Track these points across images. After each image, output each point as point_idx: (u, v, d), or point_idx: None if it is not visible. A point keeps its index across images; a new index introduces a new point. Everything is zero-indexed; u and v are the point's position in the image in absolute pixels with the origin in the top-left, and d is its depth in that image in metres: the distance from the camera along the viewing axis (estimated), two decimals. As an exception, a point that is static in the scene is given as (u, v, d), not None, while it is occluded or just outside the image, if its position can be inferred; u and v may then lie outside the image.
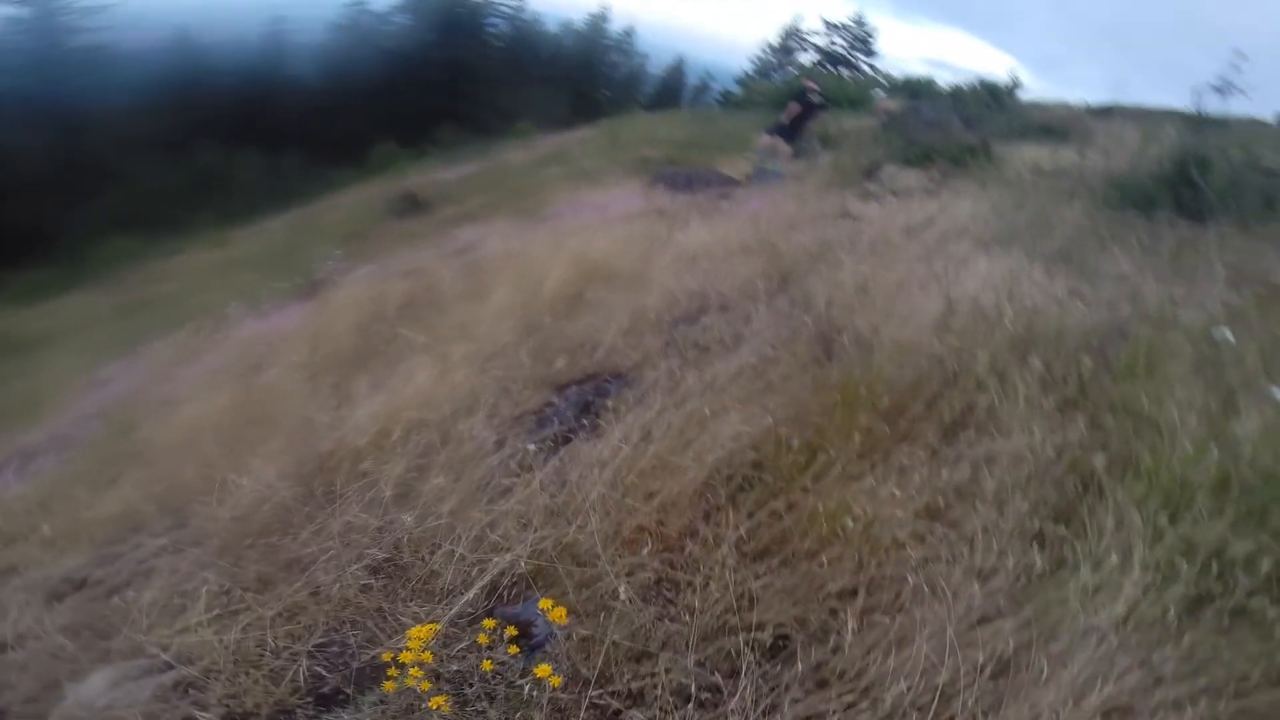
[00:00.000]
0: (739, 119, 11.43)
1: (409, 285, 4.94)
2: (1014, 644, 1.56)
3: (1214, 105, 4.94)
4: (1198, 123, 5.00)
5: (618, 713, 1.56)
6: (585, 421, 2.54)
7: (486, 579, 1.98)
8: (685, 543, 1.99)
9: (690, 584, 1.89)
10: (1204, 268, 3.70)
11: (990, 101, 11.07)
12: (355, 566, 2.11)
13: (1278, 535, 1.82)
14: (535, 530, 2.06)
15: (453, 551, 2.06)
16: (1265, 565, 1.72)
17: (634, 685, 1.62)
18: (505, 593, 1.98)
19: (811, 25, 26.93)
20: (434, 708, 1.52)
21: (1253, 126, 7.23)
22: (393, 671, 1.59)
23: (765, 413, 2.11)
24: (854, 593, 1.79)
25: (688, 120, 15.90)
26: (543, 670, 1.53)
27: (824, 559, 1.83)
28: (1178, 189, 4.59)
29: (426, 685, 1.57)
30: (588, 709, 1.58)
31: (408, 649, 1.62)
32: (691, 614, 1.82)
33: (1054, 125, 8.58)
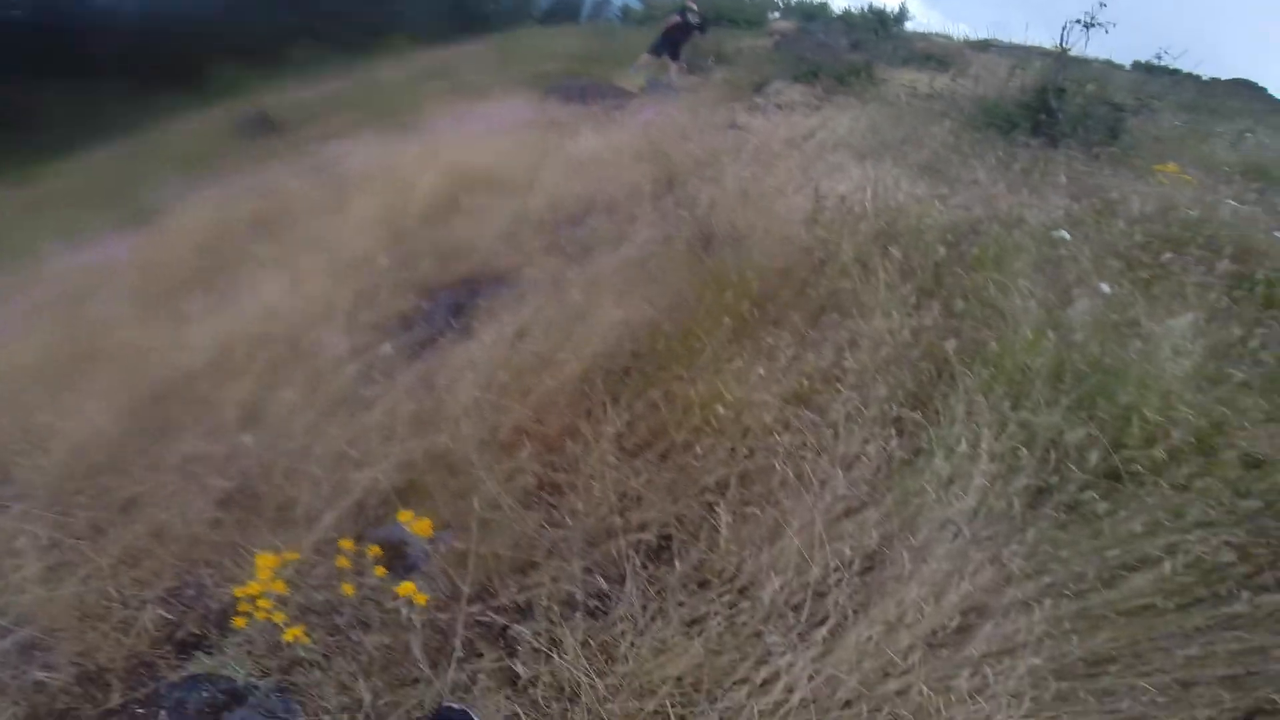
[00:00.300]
0: (639, 35, 10.84)
1: (258, 204, 4.35)
2: (878, 536, 1.57)
3: (1078, 42, 5.23)
4: (1061, 58, 5.27)
5: (505, 628, 1.49)
6: (456, 324, 2.36)
7: (350, 500, 1.82)
8: (565, 442, 1.90)
9: (573, 486, 1.82)
10: (1051, 182, 3.97)
11: (879, 28, 11.22)
12: (201, 501, 1.87)
13: (1104, 425, 1.90)
14: (401, 442, 1.91)
15: (310, 474, 1.87)
16: (1094, 457, 1.77)
17: (520, 598, 1.55)
18: (374, 513, 1.83)
19: None
20: (290, 640, 1.39)
21: (1108, 69, 7.79)
22: (245, 606, 1.42)
23: (644, 303, 2.02)
24: (727, 486, 1.78)
25: (586, 35, 14.91)
26: (405, 589, 1.42)
27: (699, 450, 1.81)
28: (1036, 115, 4.88)
29: (280, 617, 1.42)
30: (472, 627, 1.50)
31: (256, 581, 1.45)
32: (575, 517, 1.77)
33: (935, 54, 8.83)
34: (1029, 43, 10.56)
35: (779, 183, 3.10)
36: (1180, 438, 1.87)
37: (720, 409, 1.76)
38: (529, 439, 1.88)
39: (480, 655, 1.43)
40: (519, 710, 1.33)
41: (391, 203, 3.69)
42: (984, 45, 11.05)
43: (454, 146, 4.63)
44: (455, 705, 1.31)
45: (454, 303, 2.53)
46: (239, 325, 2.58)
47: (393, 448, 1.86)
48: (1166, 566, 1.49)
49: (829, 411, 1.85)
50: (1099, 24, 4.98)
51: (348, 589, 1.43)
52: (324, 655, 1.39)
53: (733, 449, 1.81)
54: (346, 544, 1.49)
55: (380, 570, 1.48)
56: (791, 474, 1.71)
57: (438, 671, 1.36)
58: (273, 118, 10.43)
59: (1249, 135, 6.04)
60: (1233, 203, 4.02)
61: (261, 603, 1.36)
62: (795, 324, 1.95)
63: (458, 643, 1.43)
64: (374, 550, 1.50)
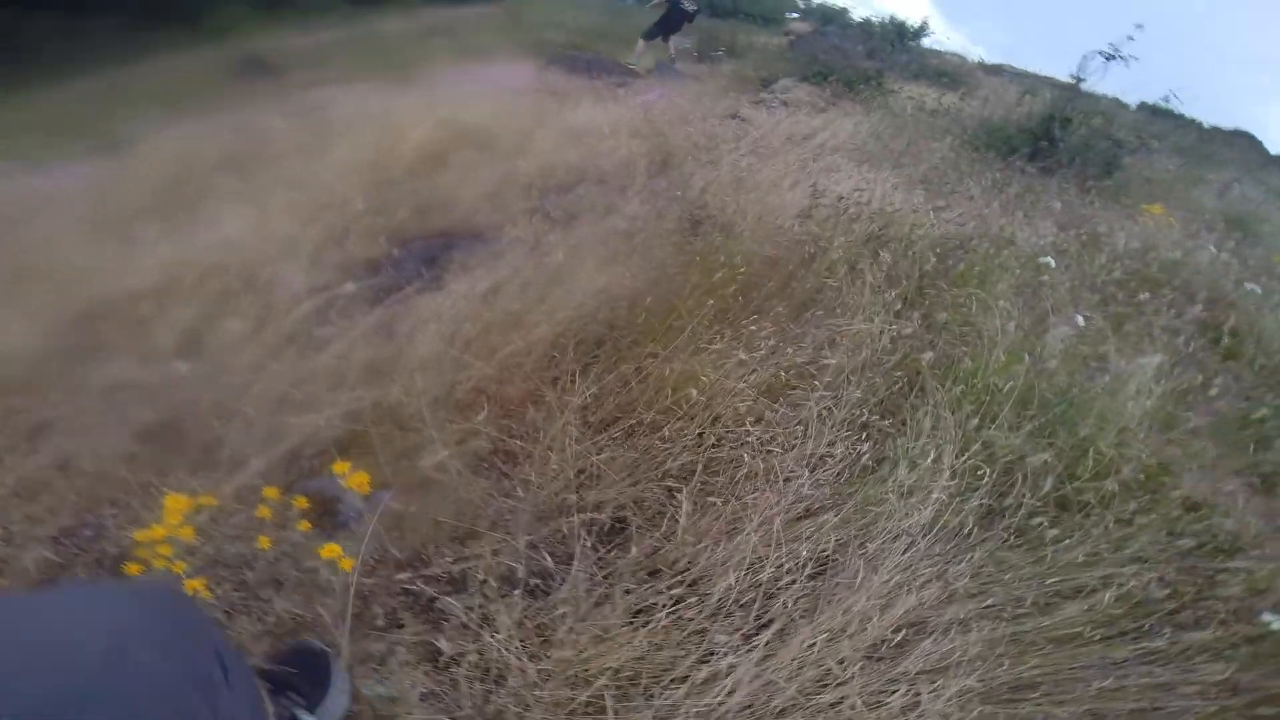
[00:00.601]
0: (653, 16, 10.64)
1: (237, 141, 4.10)
2: (834, 541, 1.53)
3: (1096, 74, 5.21)
4: (1074, 88, 5.26)
5: (434, 600, 1.37)
6: (427, 274, 2.21)
7: (284, 447, 1.68)
8: (527, 408, 1.78)
9: (529, 455, 1.71)
10: (1043, 208, 3.96)
11: (896, 40, 11.17)
12: (118, 432, 1.70)
13: (1061, 453, 1.90)
14: (350, 390, 1.77)
15: (244, 413, 1.72)
16: (1048, 484, 1.77)
17: (455, 569, 1.42)
18: (309, 464, 1.69)
19: None
20: (191, 591, 1.25)
21: (1115, 106, 7.85)
22: (143, 552, 1.28)
23: (627, 274, 1.90)
24: (692, 473, 1.70)
25: (599, 9, 14.60)
26: (330, 550, 1.29)
27: (666, 432, 1.72)
28: (1037, 141, 4.85)
29: (181, 566, 1.28)
30: (398, 595, 1.38)
31: (161, 525, 1.31)
32: (527, 489, 1.66)
33: (948, 72, 8.81)
34: (1042, 72, 10.63)
35: (775, 176, 3.00)
36: (1130, 474, 1.89)
37: (693, 392, 1.66)
38: (488, 401, 1.76)
39: (402, 626, 1.31)
40: (437, 689, 1.22)
41: (377, 151, 3.49)
42: (997, 69, 11.10)
43: (449, 103, 4.41)
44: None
45: (427, 254, 2.37)
46: (192, 254, 2.39)
47: (340, 395, 1.71)
48: (1100, 598, 1.50)
49: (801, 408, 1.77)
50: (1121, 57, 4.96)
51: (264, 542, 1.29)
52: (226, 612, 1.26)
53: (701, 435, 1.71)
54: (271, 492, 1.35)
55: (305, 525, 1.35)
56: (758, 468, 1.63)
57: (352, 639, 1.24)
58: (270, 62, 9.95)
59: (1236, 185, 6.15)
60: (1213, 249, 4.05)
61: (162, 549, 1.22)
62: (779, 315, 1.86)
63: (379, 610, 1.31)
64: (300, 502, 1.37)
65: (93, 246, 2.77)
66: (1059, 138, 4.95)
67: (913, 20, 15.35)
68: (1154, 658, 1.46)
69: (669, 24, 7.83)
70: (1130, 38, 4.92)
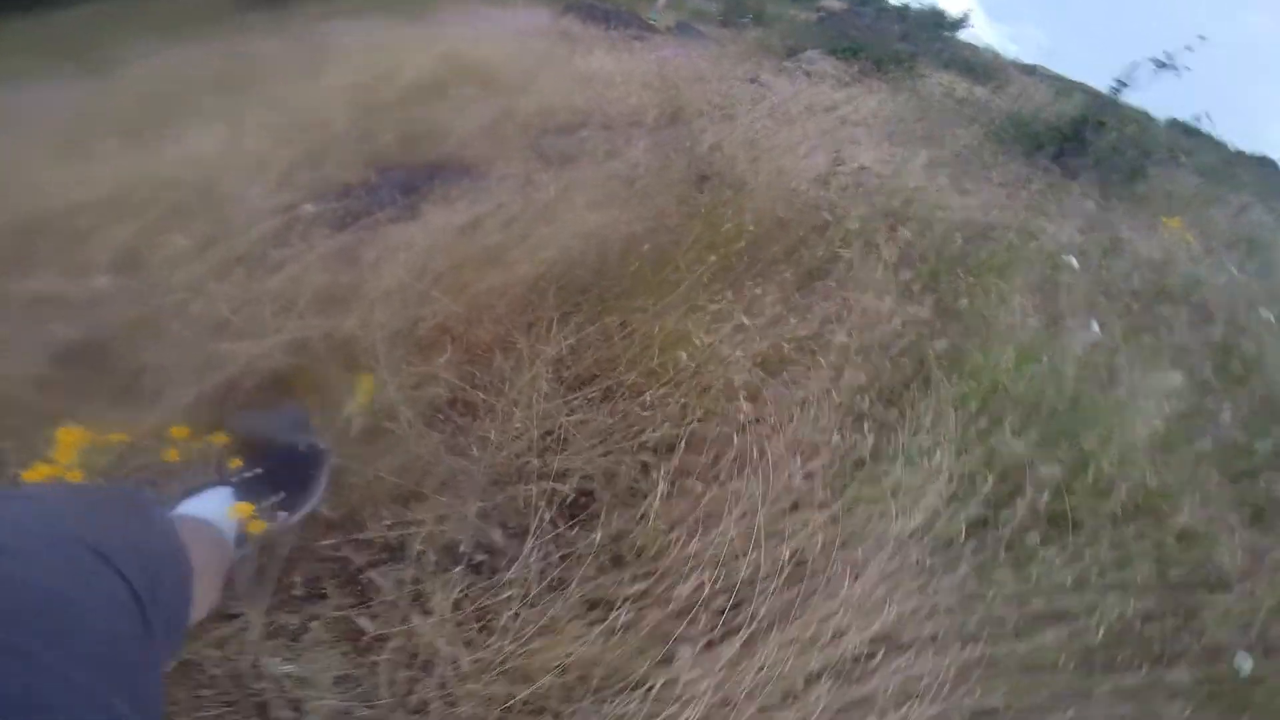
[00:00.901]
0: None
1: (227, 65, 3.78)
2: (820, 542, 1.36)
3: (1141, 80, 4.91)
4: (1109, 96, 4.97)
5: (362, 570, 1.17)
6: (403, 202, 1.97)
7: (219, 377, 1.47)
8: (494, 356, 1.57)
9: (491, 410, 1.51)
10: (1065, 209, 3.72)
11: (932, 27, 10.66)
12: (35, 352, 1.48)
13: (1062, 467, 1.74)
14: (300, 318, 1.55)
15: (179, 336, 1.51)
16: (1046, 498, 1.63)
17: (393, 535, 1.22)
18: (245, 399, 1.48)
19: None
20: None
21: (1145, 119, 7.53)
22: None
23: (622, 218, 1.67)
24: (672, 449, 1.50)
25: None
26: (241, 509, 1.09)
27: (648, 399, 1.52)
28: (1066, 141, 4.59)
29: None
30: (323, 561, 1.19)
31: (50, 462, 1.11)
32: (485, 448, 1.46)
33: (981, 65, 8.38)
34: (1076, 76, 10.22)
35: (793, 140, 2.74)
36: (1129, 496, 1.74)
37: (683, 356, 1.45)
38: (452, 343, 1.54)
39: (324, 597, 1.12)
40: (354, 673, 1.03)
41: (372, 78, 3.20)
42: (1031, 69, 10.63)
43: (456, 39, 4.09)
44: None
45: (409, 182, 2.12)
46: (152, 168, 2.14)
47: (288, 322, 1.50)
48: (1081, 625, 1.40)
49: (800, 387, 1.57)
50: (1174, 66, 4.66)
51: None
52: (115, 570, 1.06)
53: (686, 405, 1.51)
54: (180, 432, 1.14)
55: (236, 462, 1.14)
56: (747, 451, 1.44)
57: (264, 611, 1.05)
58: None
59: (1251, 208, 5.94)
60: (1233, 270, 3.85)
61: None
62: (785, 282, 1.64)
63: (299, 579, 1.12)
64: (220, 439, 1.16)
65: (51, 161, 2.52)
66: (1089, 140, 4.68)
67: (953, 11, 14.76)
68: (1124, 692, 1.35)
69: None
70: (1189, 48, 4.62)
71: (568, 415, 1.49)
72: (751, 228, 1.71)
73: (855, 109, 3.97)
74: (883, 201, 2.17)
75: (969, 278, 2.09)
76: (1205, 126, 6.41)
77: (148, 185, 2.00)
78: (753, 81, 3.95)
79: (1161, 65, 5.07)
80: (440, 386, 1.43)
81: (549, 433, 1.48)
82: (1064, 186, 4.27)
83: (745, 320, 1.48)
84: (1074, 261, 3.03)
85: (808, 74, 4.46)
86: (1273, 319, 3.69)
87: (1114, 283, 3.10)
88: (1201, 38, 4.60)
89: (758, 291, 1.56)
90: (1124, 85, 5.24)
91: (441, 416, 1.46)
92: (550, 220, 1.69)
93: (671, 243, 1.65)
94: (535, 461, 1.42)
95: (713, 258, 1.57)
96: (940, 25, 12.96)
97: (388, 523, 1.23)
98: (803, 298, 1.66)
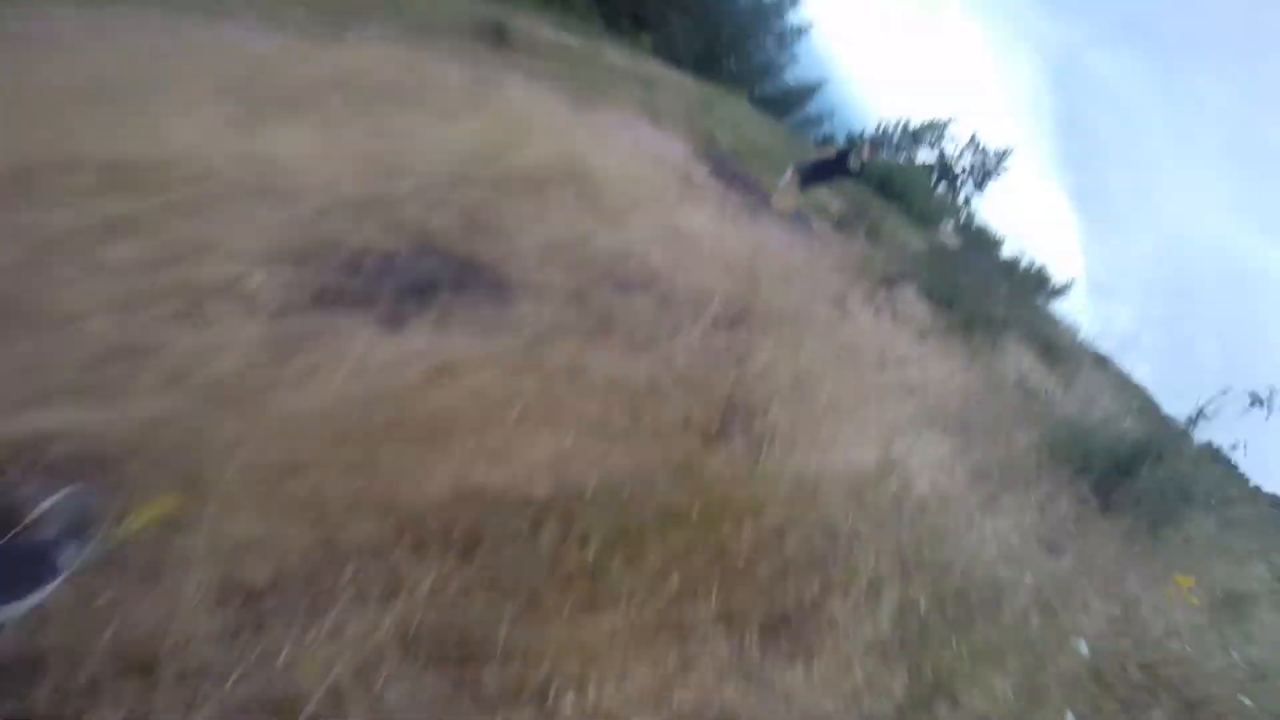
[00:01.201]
0: (813, 154, 10.64)
1: (400, 70, 3.98)
2: None
3: (1230, 411, 4.63)
4: (1189, 424, 4.68)
5: None
6: (403, 304, 1.80)
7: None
8: (351, 563, 1.25)
9: (302, 624, 1.10)
10: (1091, 560, 3.38)
11: (1035, 289, 10.71)
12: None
13: None
14: (171, 398, 1.30)
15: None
16: None
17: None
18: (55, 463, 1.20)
19: (959, 132, 23.52)
20: None
21: (1200, 455, 7.13)
22: None
23: (608, 449, 1.43)
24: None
25: (780, 134, 14.86)
26: None
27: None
28: (1116, 471, 4.29)
29: None
30: None
31: None
32: (263, 664, 1.09)
33: (1057, 346, 8.26)
34: (1143, 378, 10.06)
35: (846, 404, 2.53)
36: None
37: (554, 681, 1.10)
38: (315, 522, 1.23)
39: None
40: None
41: (494, 140, 3.25)
42: (1104, 362, 10.47)
43: (591, 138, 4.22)
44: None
45: (429, 275, 1.97)
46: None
47: (153, 399, 1.25)
48: None
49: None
50: (1268, 406, 4.37)
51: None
52: None
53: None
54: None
55: None
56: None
57: None
58: (508, 32, 10.32)
59: (1260, 563, 5.45)
60: (1234, 655, 3.40)
61: None
62: (745, 621, 1.34)
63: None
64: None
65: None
66: (1139, 475, 4.34)
67: (1059, 277, 14.93)
68: None
69: (826, 171, 7.20)
70: None
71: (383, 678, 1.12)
72: (748, 533, 1.44)
73: (924, 371, 3.79)
74: (905, 535, 1.88)
75: (960, 659, 1.74)
76: (1235, 457, 5.92)
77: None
78: (835, 304, 3.84)
79: (1258, 403, 4.71)
80: (268, 561, 1.13)
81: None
82: (1095, 522, 3.93)
83: (667, 669, 1.16)
84: (1084, 649, 2.67)
85: (895, 313, 4.35)
86: (1250, 704, 3.24)
87: (1106, 667, 2.73)
88: None
89: (700, 642, 1.24)
90: (1203, 418, 4.91)
91: (242, 598, 1.10)
92: (539, 411, 1.47)
93: (647, 522, 1.37)
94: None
95: (677, 578, 1.27)
96: (1041, 287, 13.05)
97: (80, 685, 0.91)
98: (759, 646, 1.35)
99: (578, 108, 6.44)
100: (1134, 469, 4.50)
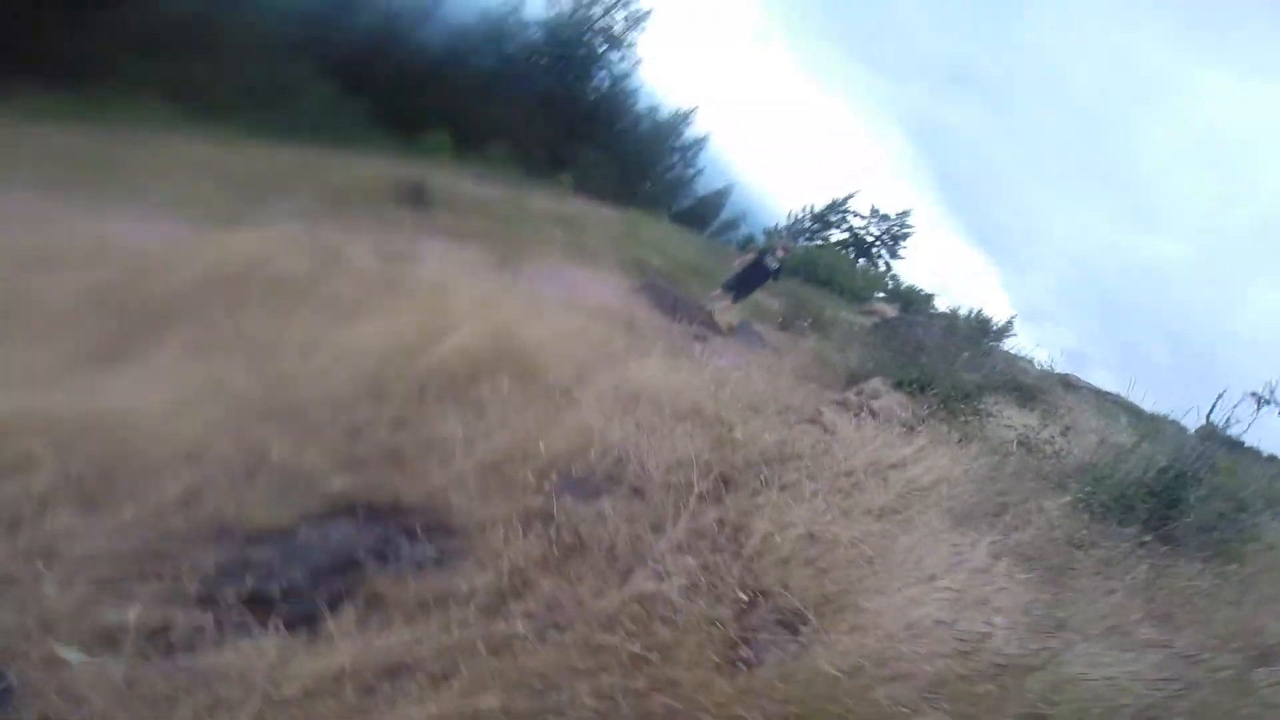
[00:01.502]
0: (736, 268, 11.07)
1: (304, 256, 3.78)
2: None
3: (1238, 418, 4.41)
4: (1208, 435, 4.45)
5: None
6: (313, 599, 1.38)
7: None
8: None
9: None
10: (1180, 620, 2.93)
11: (980, 339, 10.91)
12: None
13: None
14: None
15: None
16: None
17: None
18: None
19: (859, 206, 25.39)
20: None
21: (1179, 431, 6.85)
22: None
23: None
24: None
25: (703, 248, 15.62)
26: None
27: None
28: (1160, 504, 3.95)
29: None
30: None
31: None
32: None
33: (1025, 384, 8.22)
34: (1107, 385, 10.12)
35: (864, 552, 2.16)
36: None
37: None
38: None
39: None
40: None
41: (411, 336, 2.99)
42: (1069, 382, 10.52)
43: (518, 307, 4.06)
44: None
45: (346, 546, 1.57)
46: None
47: None
48: None
49: None
50: (1274, 402, 4.14)
51: None
52: None
53: None
54: None
55: None
56: None
57: None
58: (429, 195, 10.59)
59: None
60: None
61: None
62: None
63: None
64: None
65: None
66: (1190, 503, 3.99)
67: (998, 318, 15.47)
68: None
69: (750, 280, 7.44)
70: None
71: None
72: None
73: (925, 469, 3.49)
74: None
75: None
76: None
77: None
78: (813, 422, 3.59)
79: (1264, 402, 4.49)
80: None
81: None
82: (1169, 567, 3.50)
83: None
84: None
85: (873, 413, 4.13)
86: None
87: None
88: None
89: None
90: (1218, 428, 4.68)
91: None
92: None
93: None
94: None
95: None
96: (986, 334, 13.43)
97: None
98: None
99: (504, 267, 6.42)
100: (1176, 499, 4.19)
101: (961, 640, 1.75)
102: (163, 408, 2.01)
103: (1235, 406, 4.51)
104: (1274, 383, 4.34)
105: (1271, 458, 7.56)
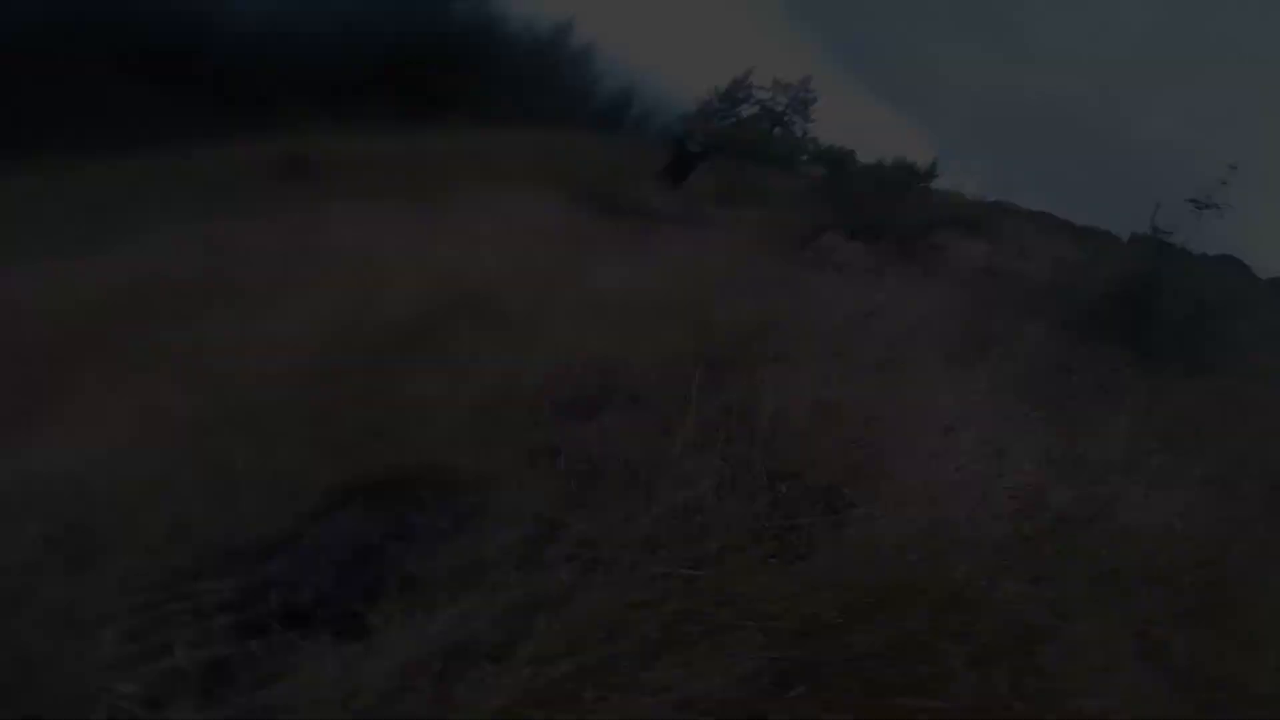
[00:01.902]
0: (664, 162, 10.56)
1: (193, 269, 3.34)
2: None
3: (1178, 223, 4.45)
4: (1153, 244, 4.52)
5: None
6: (357, 587, 1.26)
7: None
8: None
9: None
10: (1188, 446, 2.99)
11: (909, 183, 10.91)
12: None
13: None
14: None
15: None
16: None
17: None
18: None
19: (761, 81, 24.62)
20: None
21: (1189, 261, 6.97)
22: None
23: None
24: None
25: (623, 148, 14.85)
26: None
27: None
28: (1131, 317, 4.03)
29: None
30: None
31: None
32: None
33: (963, 217, 8.31)
34: (1034, 206, 10.34)
35: (872, 397, 2.14)
36: None
37: None
38: None
39: None
40: None
41: (348, 308, 2.70)
42: (1002, 209, 10.75)
43: (456, 247, 3.73)
44: None
45: (360, 535, 1.44)
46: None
47: None
48: None
49: None
50: (1214, 205, 4.19)
51: None
52: None
53: None
54: None
55: None
56: None
57: None
58: (310, 160, 9.47)
59: None
60: None
61: None
62: None
63: None
64: None
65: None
66: (1163, 312, 4.06)
67: (921, 161, 15.47)
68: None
69: (680, 167, 7.61)
70: (1224, 182, 4.15)
71: None
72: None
73: (902, 311, 3.48)
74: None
75: None
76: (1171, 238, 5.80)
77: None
78: (784, 284, 3.50)
79: (1202, 207, 4.53)
80: None
81: None
82: (1161, 389, 3.58)
83: None
84: None
85: (836, 267, 4.07)
86: None
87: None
88: (1233, 167, 4.17)
89: None
90: (1163, 233, 4.72)
91: None
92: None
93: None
94: None
95: None
96: (914, 179, 13.47)
97: None
98: None
99: (424, 215, 5.91)
100: (1150, 306, 4.19)
101: (1014, 496, 1.72)
102: (106, 451, 1.76)
103: (1169, 213, 4.49)
104: (1208, 188, 4.30)
105: (1224, 257, 7.65)
